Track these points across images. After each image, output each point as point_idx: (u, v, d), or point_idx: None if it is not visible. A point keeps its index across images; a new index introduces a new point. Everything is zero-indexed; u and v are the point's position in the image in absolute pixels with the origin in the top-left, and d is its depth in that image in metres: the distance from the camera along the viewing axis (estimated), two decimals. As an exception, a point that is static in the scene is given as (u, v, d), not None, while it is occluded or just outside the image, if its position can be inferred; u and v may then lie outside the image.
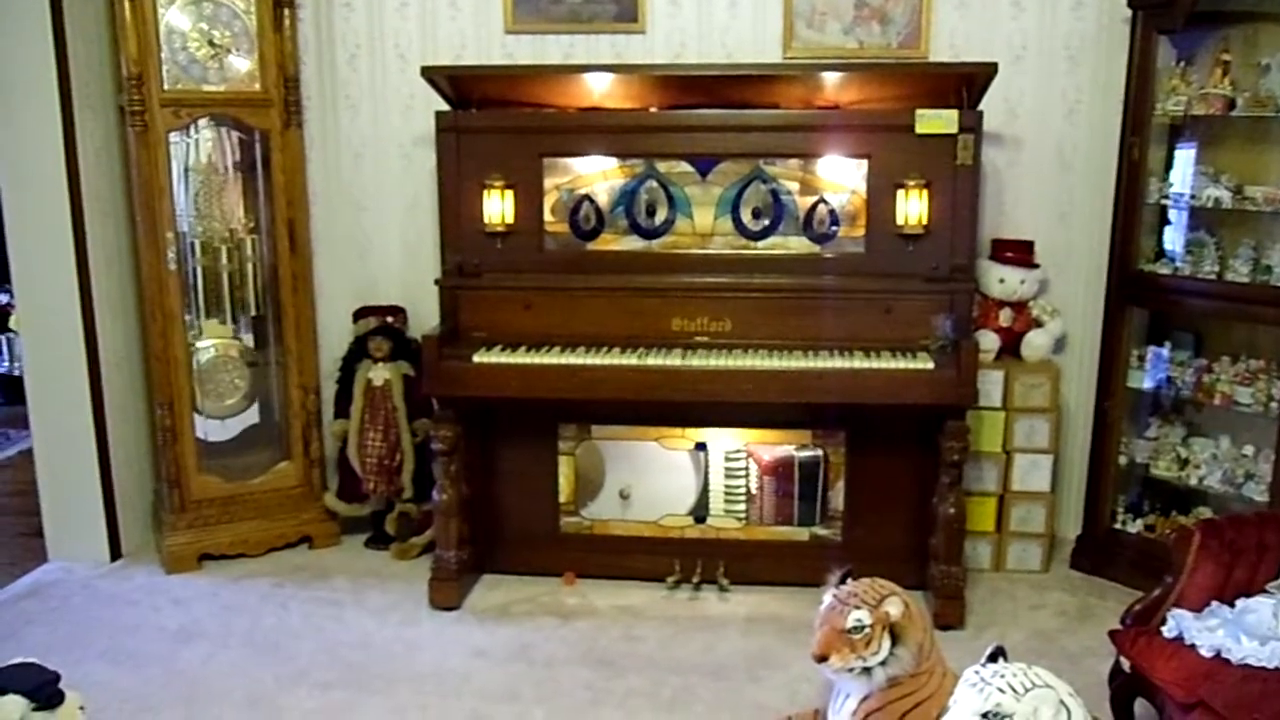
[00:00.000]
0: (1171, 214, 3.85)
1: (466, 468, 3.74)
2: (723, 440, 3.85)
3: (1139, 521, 3.94)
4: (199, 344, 4.15)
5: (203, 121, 4.00)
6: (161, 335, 3.94)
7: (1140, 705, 2.75)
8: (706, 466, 3.86)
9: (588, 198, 3.76)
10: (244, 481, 4.18)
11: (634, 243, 3.77)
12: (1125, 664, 2.71)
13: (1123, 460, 3.94)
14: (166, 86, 3.80)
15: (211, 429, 4.22)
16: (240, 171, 4.17)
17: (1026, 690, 1.92)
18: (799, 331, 3.57)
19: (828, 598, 2.39)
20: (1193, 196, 3.69)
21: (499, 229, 3.69)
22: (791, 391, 3.46)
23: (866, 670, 2.31)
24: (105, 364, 4.05)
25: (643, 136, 3.73)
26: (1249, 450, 3.67)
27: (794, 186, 3.70)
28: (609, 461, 3.90)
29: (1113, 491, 3.97)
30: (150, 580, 3.99)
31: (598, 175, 3.76)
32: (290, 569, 4.07)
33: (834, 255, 3.69)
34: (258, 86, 3.95)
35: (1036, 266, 4.02)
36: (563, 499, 3.92)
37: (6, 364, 6.49)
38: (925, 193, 3.53)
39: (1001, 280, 3.97)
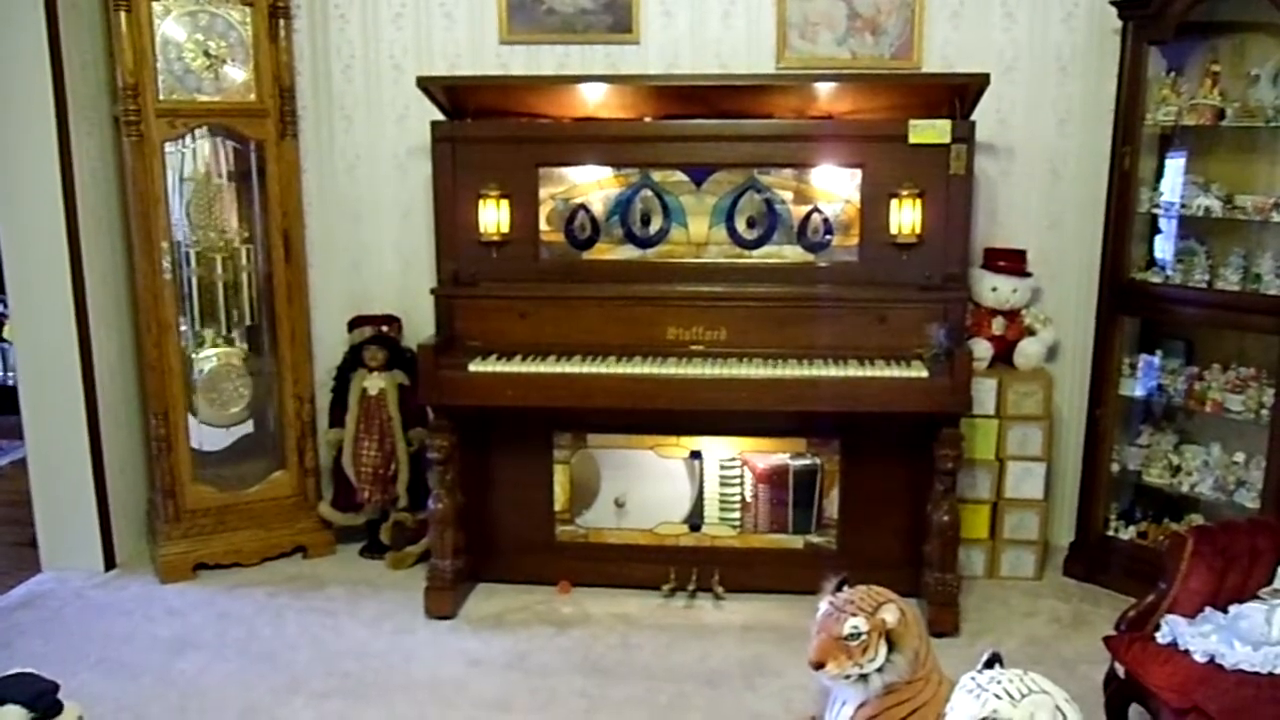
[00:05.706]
0: (1162, 223, 3.88)
1: (461, 476, 3.74)
2: (718, 448, 3.85)
3: (1132, 528, 3.95)
4: (203, 353, 4.15)
5: (198, 132, 4.00)
6: (156, 345, 3.94)
7: (1135, 711, 2.76)
8: (701, 475, 3.87)
9: (583, 207, 3.77)
10: (239, 491, 4.17)
11: (629, 252, 3.78)
12: (1120, 670, 2.72)
13: (1115, 468, 3.96)
14: (162, 97, 3.81)
15: (210, 438, 4.22)
16: (235, 181, 4.17)
17: (1023, 696, 1.94)
18: (793, 340, 3.58)
19: (824, 605, 2.40)
20: (1183, 205, 3.72)
21: (494, 238, 3.70)
22: (786, 400, 3.48)
23: (863, 677, 2.32)
24: (100, 373, 4.05)
25: (637, 146, 3.75)
26: (1240, 457, 3.69)
27: (788, 196, 3.72)
28: (604, 470, 3.91)
29: (1105, 499, 3.99)
30: (145, 590, 3.98)
31: (593, 185, 3.77)
32: (285, 578, 4.06)
33: (828, 264, 3.71)
34: (253, 97, 3.96)
35: (1029, 275, 4.04)
36: (558, 507, 3.93)
37: (1, 373, 6.47)
38: (918, 202, 3.55)
39: (994, 289, 4.00)
